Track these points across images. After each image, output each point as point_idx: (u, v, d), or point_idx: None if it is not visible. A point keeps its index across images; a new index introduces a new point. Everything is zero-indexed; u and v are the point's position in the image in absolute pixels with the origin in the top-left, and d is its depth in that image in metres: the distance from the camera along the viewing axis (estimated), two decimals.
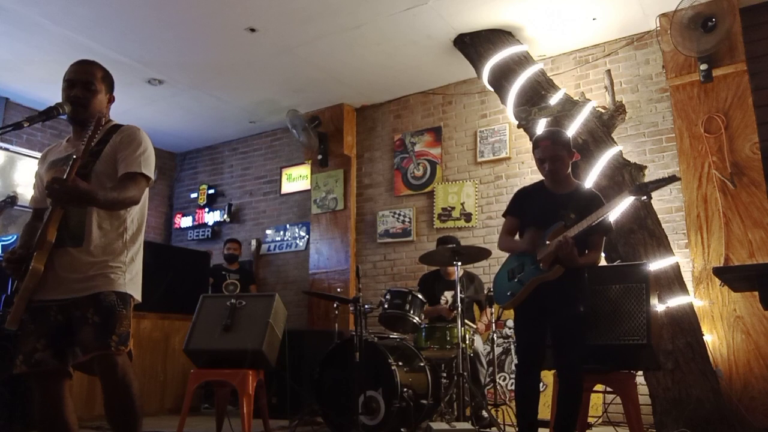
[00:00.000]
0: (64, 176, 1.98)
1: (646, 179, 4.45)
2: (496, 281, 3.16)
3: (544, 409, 4.05)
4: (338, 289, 5.75)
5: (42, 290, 2.08)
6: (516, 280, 2.98)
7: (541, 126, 4.69)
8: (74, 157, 2.04)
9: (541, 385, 4.76)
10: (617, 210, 4.11)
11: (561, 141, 3.04)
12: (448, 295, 4.73)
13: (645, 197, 2.88)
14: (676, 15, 4.43)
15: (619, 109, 4.63)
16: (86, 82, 2.27)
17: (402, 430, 3.84)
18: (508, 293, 2.99)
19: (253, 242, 7.34)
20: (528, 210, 3.10)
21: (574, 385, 2.85)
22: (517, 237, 3.16)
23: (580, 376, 2.86)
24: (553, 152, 2.98)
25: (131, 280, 2.22)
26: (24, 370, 2.10)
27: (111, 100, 2.38)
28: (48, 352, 2.10)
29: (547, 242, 2.88)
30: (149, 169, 2.24)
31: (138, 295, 2.27)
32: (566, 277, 2.85)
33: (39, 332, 2.12)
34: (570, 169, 3.08)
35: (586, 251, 2.93)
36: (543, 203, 3.03)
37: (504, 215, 3.24)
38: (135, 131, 2.29)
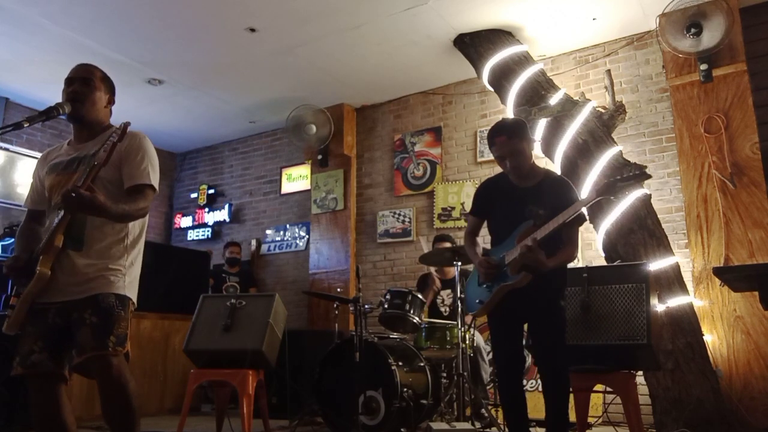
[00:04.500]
0: (80, 183, 1.96)
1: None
2: (468, 286, 2.99)
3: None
4: (338, 289, 5.75)
5: (42, 293, 2.07)
6: (485, 286, 2.82)
7: (541, 126, 4.69)
8: (95, 163, 2.03)
9: (539, 384, 4.80)
10: (619, 211, 4.12)
11: (517, 133, 2.78)
12: (444, 294, 4.73)
13: (612, 197, 2.62)
14: (668, 16, 4.43)
15: (619, 109, 4.63)
16: (84, 78, 2.27)
17: (402, 430, 3.83)
18: (477, 301, 2.85)
19: (253, 242, 7.35)
20: (494, 205, 2.91)
21: (560, 386, 2.71)
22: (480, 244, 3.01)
23: (565, 378, 2.73)
24: (511, 147, 2.76)
25: (130, 284, 2.22)
26: (20, 372, 2.10)
27: (111, 101, 2.37)
28: (45, 354, 2.09)
29: (516, 244, 2.69)
30: (156, 179, 2.24)
31: (135, 299, 2.26)
32: (540, 275, 2.66)
33: (37, 334, 2.11)
34: (533, 158, 2.86)
35: (561, 246, 2.72)
36: (508, 198, 2.84)
37: (469, 213, 3.04)
38: (141, 139, 2.26)
